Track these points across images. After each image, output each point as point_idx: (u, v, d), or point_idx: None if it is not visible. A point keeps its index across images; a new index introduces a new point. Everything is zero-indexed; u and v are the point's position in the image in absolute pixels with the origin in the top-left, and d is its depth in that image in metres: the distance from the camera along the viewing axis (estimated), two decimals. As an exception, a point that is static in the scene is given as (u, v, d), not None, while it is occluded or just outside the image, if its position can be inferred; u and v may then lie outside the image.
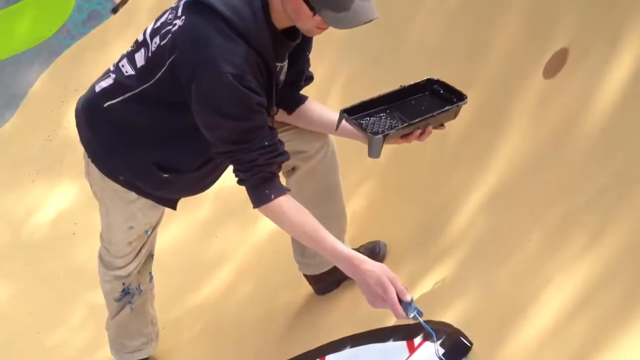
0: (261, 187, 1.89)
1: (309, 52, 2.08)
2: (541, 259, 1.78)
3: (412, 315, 1.77)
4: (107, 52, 3.56)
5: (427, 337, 1.84)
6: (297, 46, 1.97)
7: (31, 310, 2.96)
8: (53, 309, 2.96)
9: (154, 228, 2.30)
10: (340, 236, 2.26)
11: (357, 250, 2.18)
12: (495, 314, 1.78)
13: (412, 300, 1.79)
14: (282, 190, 1.91)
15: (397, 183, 2.65)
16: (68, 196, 3.35)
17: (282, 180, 2.01)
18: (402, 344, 1.91)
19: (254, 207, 1.93)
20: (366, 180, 2.73)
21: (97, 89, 2.06)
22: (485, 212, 2.17)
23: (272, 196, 1.89)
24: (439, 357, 1.71)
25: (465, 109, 2.03)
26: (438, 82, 2.07)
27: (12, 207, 3.40)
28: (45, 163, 3.51)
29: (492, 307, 1.82)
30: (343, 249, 1.88)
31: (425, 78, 2.08)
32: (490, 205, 2.18)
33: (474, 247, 2.10)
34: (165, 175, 2.06)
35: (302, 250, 2.39)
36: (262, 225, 2.88)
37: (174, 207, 2.20)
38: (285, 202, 1.90)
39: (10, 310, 2.99)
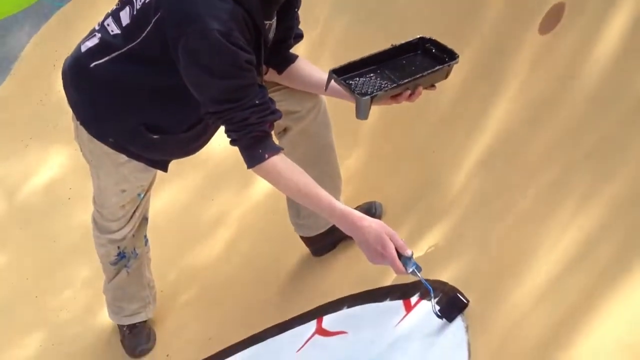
0: (254, 147, 1.87)
1: (298, 9, 2.04)
2: (538, 214, 1.78)
3: (410, 270, 1.77)
4: (98, 13, 3.48)
5: (423, 296, 1.84)
6: (285, 2, 1.93)
7: (28, 275, 2.96)
8: (50, 273, 2.96)
9: (147, 191, 2.28)
10: (335, 196, 2.23)
11: (353, 210, 2.18)
12: (491, 271, 1.78)
13: (412, 255, 1.79)
14: (276, 150, 1.89)
15: (392, 143, 2.63)
16: (62, 161, 3.33)
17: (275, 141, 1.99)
18: (399, 303, 1.92)
19: (248, 167, 1.91)
20: (360, 141, 2.72)
21: (83, 48, 2.03)
22: (482, 170, 2.17)
23: (266, 155, 1.86)
24: (436, 314, 1.72)
25: (461, 67, 2.01)
26: (430, 40, 2.03)
27: (6, 172, 3.38)
28: (39, 128, 3.48)
29: (488, 264, 1.82)
30: (340, 206, 1.86)
31: (418, 36, 2.05)
32: (486, 163, 2.17)
33: (470, 205, 2.10)
34: (155, 137, 2.03)
35: (297, 212, 2.39)
36: (258, 188, 2.87)
37: (164, 170, 2.19)
38: (279, 162, 1.88)
39: (7, 275, 2.99)
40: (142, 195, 2.26)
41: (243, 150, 1.89)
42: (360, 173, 2.65)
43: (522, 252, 1.73)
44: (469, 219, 2.04)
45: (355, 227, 1.83)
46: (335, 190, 2.27)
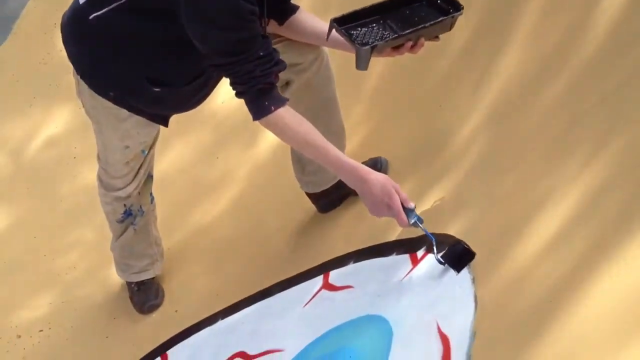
0: (260, 99, 1.85)
1: None
2: (546, 168, 1.77)
3: (412, 221, 1.80)
4: (98, -30, 3.46)
5: (429, 249, 1.85)
6: None
7: (36, 234, 2.97)
8: (58, 232, 2.97)
9: (151, 147, 2.27)
10: (340, 152, 2.24)
11: (358, 167, 2.16)
12: (498, 225, 1.78)
13: (414, 207, 1.82)
14: (282, 102, 1.87)
15: (398, 98, 2.61)
16: (67, 119, 3.32)
17: (279, 93, 1.96)
18: (405, 257, 1.93)
19: (254, 119, 1.89)
20: (365, 96, 2.70)
21: (81, 0, 2.00)
22: (489, 124, 2.15)
23: (272, 107, 1.85)
24: (438, 260, 1.74)
25: (467, 20, 1.98)
26: None
27: (11, 132, 3.37)
28: (42, 87, 3.46)
29: (494, 218, 1.82)
30: (347, 160, 1.87)
31: None
32: (493, 116, 2.15)
33: (476, 160, 2.08)
34: (157, 90, 2.01)
35: (302, 168, 2.38)
36: (263, 145, 2.86)
37: (165, 124, 2.17)
38: (285, 113, 1.87)
39: (14, 234, 3.00)
40: (146, 152, 2.25)
41: (249, 103, 1.88)
42: (364, 128, 2.63)
43: (529, 206, 1.72)
44: (476, 173, 2.04)
45: (362, 180, 1.84)
46: (339, 146, 2.25)
